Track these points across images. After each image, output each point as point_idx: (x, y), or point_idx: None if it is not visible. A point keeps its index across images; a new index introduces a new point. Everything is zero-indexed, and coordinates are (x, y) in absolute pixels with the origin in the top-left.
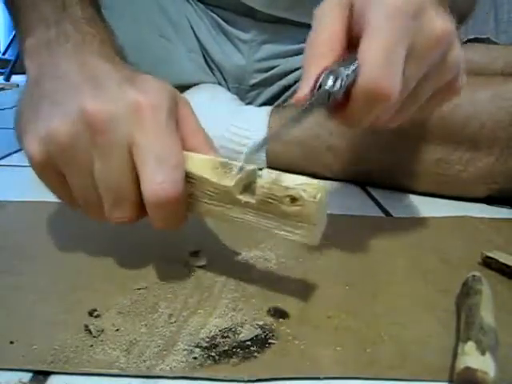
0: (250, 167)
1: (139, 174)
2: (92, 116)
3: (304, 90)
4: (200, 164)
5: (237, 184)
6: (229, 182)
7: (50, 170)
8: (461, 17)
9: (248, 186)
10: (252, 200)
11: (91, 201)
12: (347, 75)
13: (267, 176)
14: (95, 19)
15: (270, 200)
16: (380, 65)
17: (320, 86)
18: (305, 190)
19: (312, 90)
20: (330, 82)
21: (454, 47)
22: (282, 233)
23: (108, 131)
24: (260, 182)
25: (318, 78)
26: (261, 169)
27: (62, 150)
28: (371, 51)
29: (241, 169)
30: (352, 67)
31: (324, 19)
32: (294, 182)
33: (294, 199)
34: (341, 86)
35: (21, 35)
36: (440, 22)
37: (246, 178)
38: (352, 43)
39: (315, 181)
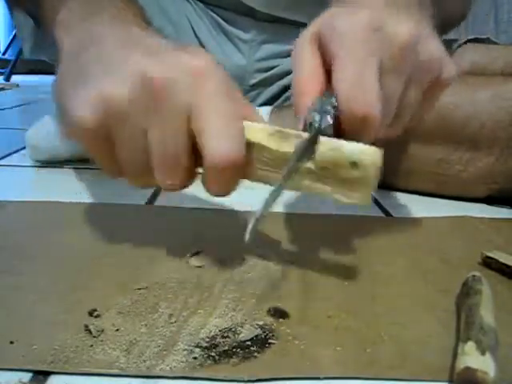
0: (308, 134)
1: (201, 140)
2: (152, 81)
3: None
4: (257, 131)
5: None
6: (288, 148)
7: (99, 134)
8: (453, 16)
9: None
10: (311, 166)
11: (141, 168)
12: (333, 107)
13: (327, 143)
14: None
15: (329, 166)
16: (353, 90)
17: (310, 124)
18: (365, 157)
19: (304, 130)
20: (317, 119)
21: (425, 44)
22: (338, 196)
23: (168, 97)
24: (320, 148)
25: (305, 117)
26: (319, 135)
27: (118, 114)
28: (342, 80)
29: (298, 136)
30: (334, 98)
31: (299, 59)
32: (353, 148)
33: (354, 164)
34: (331, 118)
35: (47, 11)
36: (403, 27)
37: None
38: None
39: (372, 147)
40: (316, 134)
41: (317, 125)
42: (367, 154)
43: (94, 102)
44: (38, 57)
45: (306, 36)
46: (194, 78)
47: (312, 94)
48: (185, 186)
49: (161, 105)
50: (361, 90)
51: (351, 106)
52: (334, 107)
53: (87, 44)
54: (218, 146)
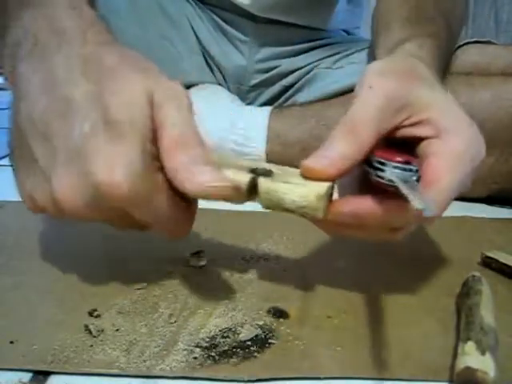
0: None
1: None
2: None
3: (338, 162)
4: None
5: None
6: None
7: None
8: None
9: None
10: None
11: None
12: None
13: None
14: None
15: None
16: (441, 206)
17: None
18: (306, 209)
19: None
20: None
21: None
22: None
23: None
24: (263, 186)
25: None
26: (267, 171)
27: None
28: (446, 179)
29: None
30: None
31: (364, 112)
32: (293, 202)
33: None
34: (417, 179)
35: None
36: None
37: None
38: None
39: (313, 192)
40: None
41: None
42: (309, 206)
43: (48, 204)
44: None
45: (376, 96)
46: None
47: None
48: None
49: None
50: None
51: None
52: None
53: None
54: None
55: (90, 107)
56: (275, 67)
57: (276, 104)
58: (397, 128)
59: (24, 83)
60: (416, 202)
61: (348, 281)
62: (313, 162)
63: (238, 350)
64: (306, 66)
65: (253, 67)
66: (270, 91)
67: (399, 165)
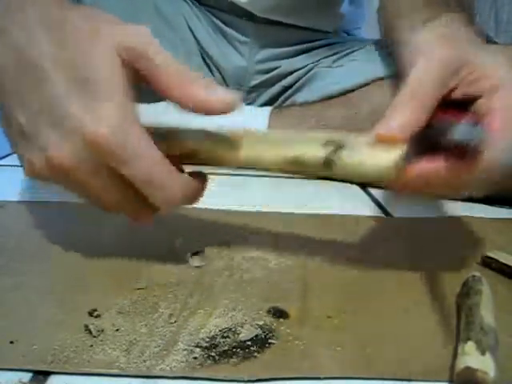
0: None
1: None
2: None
3: (398, 123)
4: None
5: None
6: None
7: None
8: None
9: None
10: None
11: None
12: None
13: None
14: None
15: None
16: (502, 152)
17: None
18: (381, 175)
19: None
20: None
21: None
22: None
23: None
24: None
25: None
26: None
27: (68, 176)
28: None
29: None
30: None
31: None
32: (369, 171)
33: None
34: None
35: None
36: None
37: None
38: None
39: (386, 161)
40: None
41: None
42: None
43: (41, 165)
44: None
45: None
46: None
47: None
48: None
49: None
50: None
51: (495, 162)
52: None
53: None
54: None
55: (58, 70)
56: (275, 68)
57: (276, 104)
58: (453, 89)
59: None
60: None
61: (348, 281)
62: (384, 130)
63: (238, 349)
64: (305, 66)
65: (253, 68)
66: (269, 92)
67: (465, 123)
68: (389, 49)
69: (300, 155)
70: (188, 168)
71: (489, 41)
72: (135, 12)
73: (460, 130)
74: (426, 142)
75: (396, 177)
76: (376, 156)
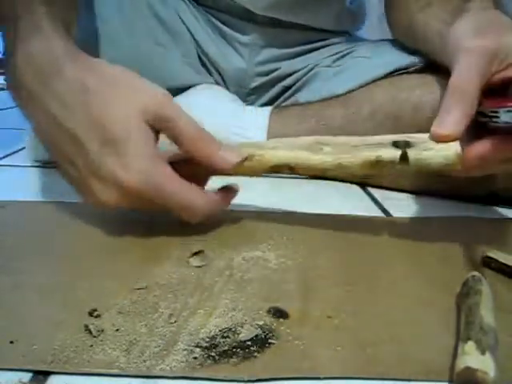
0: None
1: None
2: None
3: (453, 122)
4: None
5: None
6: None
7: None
8: None
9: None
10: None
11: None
12: None
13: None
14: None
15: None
16: None
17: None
18: (449, 166)
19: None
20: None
21: None
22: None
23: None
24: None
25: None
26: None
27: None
28: None
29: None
30: None
31: (466, 69)
32: (439, 164)
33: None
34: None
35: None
36: None
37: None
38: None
39: (453, 153)
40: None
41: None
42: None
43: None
44: None
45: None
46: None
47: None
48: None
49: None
50: None
51: None
52: None
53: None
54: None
55: (90, 135)
56: (275, 69)
57: (276, 104)
58: (492, 76)
59: (29, 112)
60: None
61: (348, 281)
62: (442, 129)
63: (238, 349)
64: (305, 66)
65: (253, 70)
66: (270, 92)
67: (510, 108)
68: (409, 43)
69: (379, 156)
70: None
71: None
72: (134, 20)
73: (507, 114)
74: (475, 128)
75: (460, 164)
76: (440, 150)
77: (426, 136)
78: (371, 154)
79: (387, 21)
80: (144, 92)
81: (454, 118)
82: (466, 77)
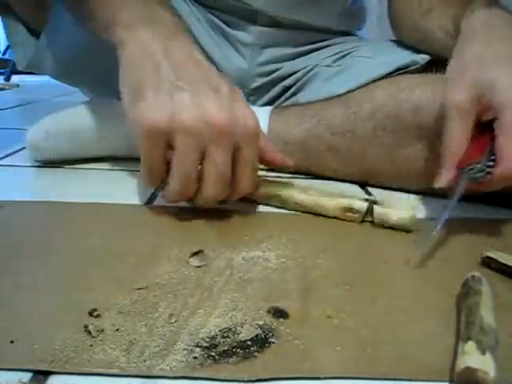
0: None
1: (239, 174)
2: (218, 124)
3: (444, 178)
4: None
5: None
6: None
7: (165, 141)
8: None
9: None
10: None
11: (188, 179)
12: (487, 166)
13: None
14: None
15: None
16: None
17: (461, 174)
18: (403, 225)
19: (455, 178)
20: (475, 173)
21: None
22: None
23: (228, 135)
24: (376, 211)
25: (458, 171)
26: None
27: (189, 134)
28: (507, 151)
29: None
30: (489, 162)
31: (453, 127)
32: (395, 221)
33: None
34: (484, 175)
35: (103, 12)
36: None
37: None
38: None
39: (407, 215)
40: (471, 181)
41: (475, 176)
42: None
43: (168, 119)
44: (34, 70)
45: (462, 104)
46: (245, 130)
47: (459, 156)
48: (219, 198)
49: (222, 140)
50: None
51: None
52: (488, 166)
53: (158, 57)
54: (245, 183)
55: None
56: (276, 70)
57: (276, 103)
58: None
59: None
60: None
61: (348, 281)
62: (441, 184)
63: (238, 349)
64: (306, 66)
65: (254, 70)
66: (270, 93)
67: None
68: (414, 45)
69: (350, 204)
70: None
71: None
72: None
73: (464, 175)
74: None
75: (412, 226)
76: (399, 213)
77: (394, 198)
78: (344, 202)
79: (390, 23)
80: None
81: (452, 174)
82: (457, 139)
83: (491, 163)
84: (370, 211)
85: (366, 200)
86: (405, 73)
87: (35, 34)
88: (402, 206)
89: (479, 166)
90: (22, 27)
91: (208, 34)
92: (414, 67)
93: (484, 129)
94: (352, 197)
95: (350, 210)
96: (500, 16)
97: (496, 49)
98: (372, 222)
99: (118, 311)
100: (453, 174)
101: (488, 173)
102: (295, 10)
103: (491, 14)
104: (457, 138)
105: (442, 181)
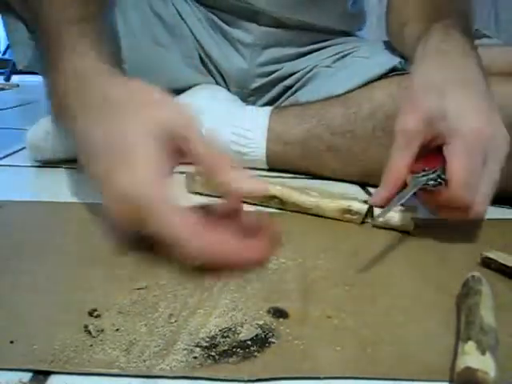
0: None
1: None
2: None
3: (377, 198)
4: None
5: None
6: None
7: None
8: None
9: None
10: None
11: None
12: (441, 178)
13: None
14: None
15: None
16: (464, 185)
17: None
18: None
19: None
20: (422, 179)
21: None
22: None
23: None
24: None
25: (398, 183)
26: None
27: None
28: (456, 175)
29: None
30: (436, 177)
31: (396, 155)
32: (395, 222)
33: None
34: (435, 184)
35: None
36: (505, 135)
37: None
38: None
39: (407, 216)
40: (419, 185)
41: (423, 181)
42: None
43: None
44: (34, 69)
45: (410, 128)
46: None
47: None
48: None
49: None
50: (470, 188)
51: (460, 198)
52: (435, 179)
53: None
54: None
55: (106, 149)
56: (276, 70)
57: (276, 104)
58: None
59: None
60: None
61: (348, 281)
62: (376, 203)
63: (238, 349)
64: (306, 67)
65: (254, 71)
66: (270, 93)
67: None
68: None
69: (350, 206)
70: None
71: (484, 35)
72: (134, 20)
73: (423, 180)
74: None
75: (412, 226)
76: (399, 215)
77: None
78: (344, 203)
79: (385, 25)
80: (164, 111)
81: (386, 194)
82: (397, 166)
83: (445, 177)
84: (370, 212)
85: (366, 202)
86: (405, 73)
87: (35, 33)
88: (401, 207)
89: (433, 175)
90: (22, 26)
91: (209, 34)
92: None
93: None
94: (352, 198)
95: (350, 211)
96: (456, 42)
97: (447, 75)
98: (372, 223)
99: (117, 311)
100: (387, 195)
101: (440, 183)
102: (297, 10)
103: (448, 39)
104: (397, 165)
105: (375, 200)
